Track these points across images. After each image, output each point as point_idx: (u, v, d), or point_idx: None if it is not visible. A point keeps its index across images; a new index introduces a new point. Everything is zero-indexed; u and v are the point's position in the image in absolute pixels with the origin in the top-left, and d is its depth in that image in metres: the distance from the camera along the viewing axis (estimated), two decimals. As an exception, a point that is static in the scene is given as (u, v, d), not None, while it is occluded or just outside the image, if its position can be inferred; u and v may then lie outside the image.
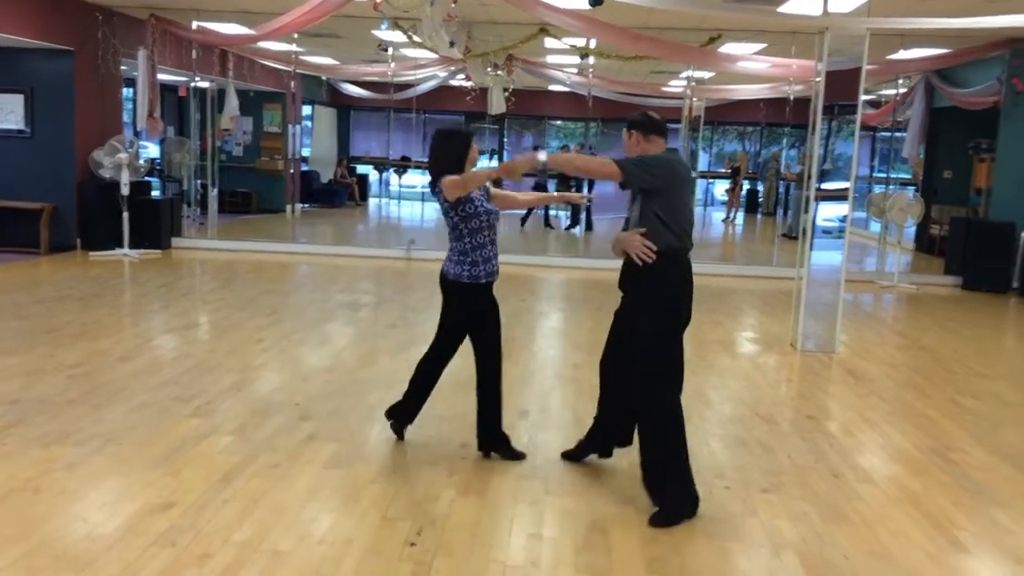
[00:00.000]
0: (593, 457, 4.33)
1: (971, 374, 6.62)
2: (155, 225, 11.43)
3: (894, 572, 3.36)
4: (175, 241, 11.90)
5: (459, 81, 15.52)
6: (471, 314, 4.27)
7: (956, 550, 3.57)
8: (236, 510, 3.62)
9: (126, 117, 12.58)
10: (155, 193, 13.25)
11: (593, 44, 11.99)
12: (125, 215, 10.69)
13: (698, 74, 13.76)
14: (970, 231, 11.22)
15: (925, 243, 14.01)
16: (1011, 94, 10.82)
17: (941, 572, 3.38)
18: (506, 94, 14.16)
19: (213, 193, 13.65)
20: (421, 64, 13.92)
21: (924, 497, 4.12)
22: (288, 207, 16.37)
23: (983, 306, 9.88)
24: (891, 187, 12.74)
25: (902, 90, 13.16)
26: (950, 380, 6.40)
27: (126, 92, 12.53)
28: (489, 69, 13.67)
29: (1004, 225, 10.91)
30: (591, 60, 12.83)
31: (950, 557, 3.51)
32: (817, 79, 7.03)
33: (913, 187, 13.92)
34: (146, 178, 11.97)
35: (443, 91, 16.60)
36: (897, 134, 13.49)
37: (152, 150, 16.10)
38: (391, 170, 18.47)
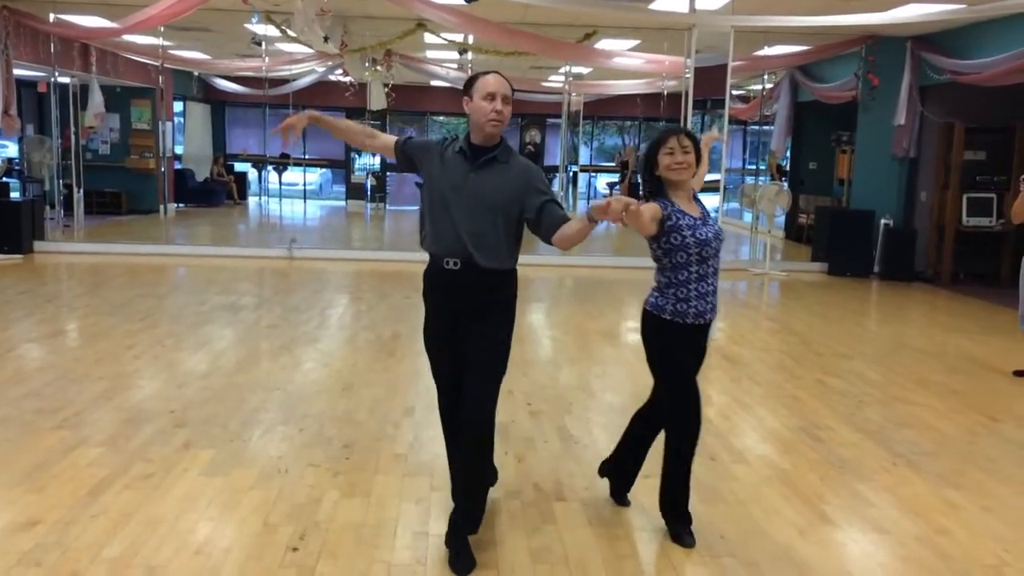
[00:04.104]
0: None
1: (836, 356, 6.96)
2: (15, 228, 10.80)
3: (768, 548, 3.50)
4: (37, 245, 11.28)
5: (338, 76, 15.29)
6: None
7: (824, 523, 3.75)
8: (106, 525, 3.46)
9: (-21, 115, 11.83)
10: (14, 195, 12.53)
11: (472, 40, 12.01)
12: (-19, 218, 10.09)
13: (576, 70, 13.97)
14: (834, 220, 11.79)
15: (794, 232, 14.65)
16: (867, 89, 11.41)
17: (810, 546, 3.54)
18: (386, 90, 14.04)
19: (79, 194, 13.02)
20: (297, 59, 13.65)
21: (794, 474, 4.31)
22: (161, 207, 15.74)
23: (847, 290, 10.41)
24: (761, 179, 13.24)
25: (768, 85, 13.71)
26: (817, 362, 6.71)
27: (-22, 88, 11.79)
28: (367, 64, 13.52)
29: (864, 213, 11.51)
30: (470, 56, 12.86)
31: (819, 530, 3.68)
32: (687, 74, 7.25)
33: (767, 177, 14.34)
34: (4, 179, 11.32)
35: (322, 86, 16.32)
36: (766, 127, 14.04)
37: (10, 149, 15.23)
38: (270, 168, 18.04)
